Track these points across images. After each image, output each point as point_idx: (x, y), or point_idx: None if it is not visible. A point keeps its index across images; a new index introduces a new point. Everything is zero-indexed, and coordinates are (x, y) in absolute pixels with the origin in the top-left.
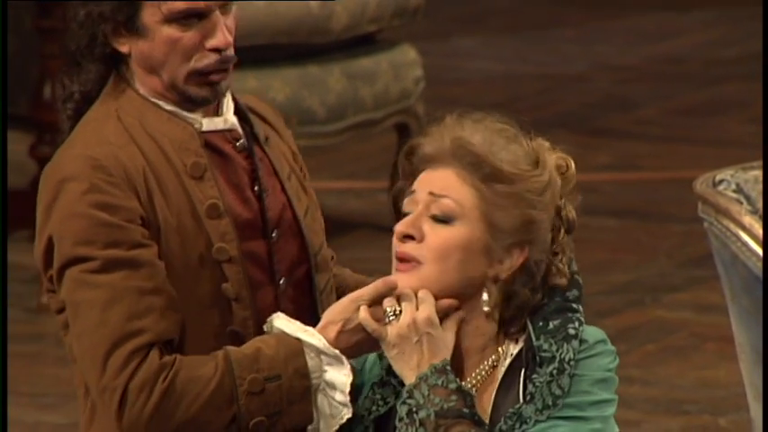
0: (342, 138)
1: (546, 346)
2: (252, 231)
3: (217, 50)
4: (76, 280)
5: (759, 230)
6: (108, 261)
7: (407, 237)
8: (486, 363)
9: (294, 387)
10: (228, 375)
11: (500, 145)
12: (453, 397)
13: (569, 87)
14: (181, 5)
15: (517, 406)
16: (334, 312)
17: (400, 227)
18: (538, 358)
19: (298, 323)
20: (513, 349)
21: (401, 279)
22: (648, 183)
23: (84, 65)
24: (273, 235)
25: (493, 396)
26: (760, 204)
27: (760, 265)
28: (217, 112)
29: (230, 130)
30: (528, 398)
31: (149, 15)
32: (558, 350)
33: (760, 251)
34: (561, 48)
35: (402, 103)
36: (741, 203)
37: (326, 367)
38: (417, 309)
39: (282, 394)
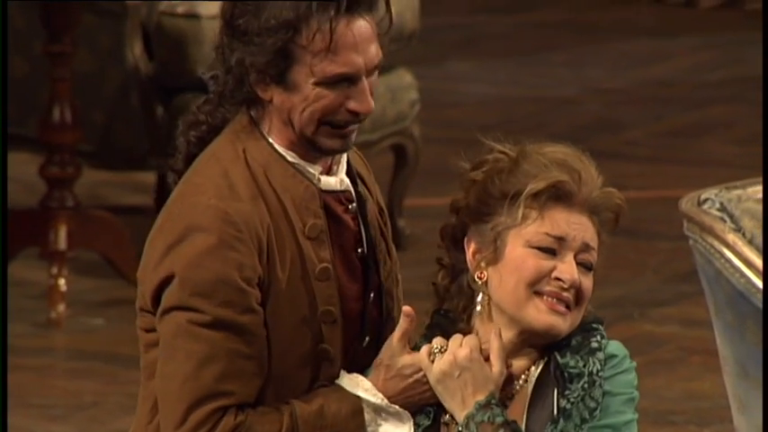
0: None
1: (573, 363)
2: (351, 294)
3: (356, 113)
4: (181, 326)
5: (742, 247)
6: (217, 320)
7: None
8: (517, 383)
9: None
10: None
11: None
12: (501, 431)
13: (560, 110)
14: (334, 70)
15: (555, 424)
16: (377, 362)
17: (573, 277)
18: (567, 375)
19: (357, 378)
20: (535, 370)
21: (559, 320)
22: (636, 202)
23: (225, 106)
24: (371, 297)
25: (524, 416)
26: (743, 223)
27: (743, 281)
28: (329, 170)
29: (344, 191)
30: (565, 414)
31: (300, 73)
32: (584, 365)
33: (743, 267)
34: (553, 72)
35: (398, 125)
36: (725, 222)
37: (381, 422)
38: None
39: None
